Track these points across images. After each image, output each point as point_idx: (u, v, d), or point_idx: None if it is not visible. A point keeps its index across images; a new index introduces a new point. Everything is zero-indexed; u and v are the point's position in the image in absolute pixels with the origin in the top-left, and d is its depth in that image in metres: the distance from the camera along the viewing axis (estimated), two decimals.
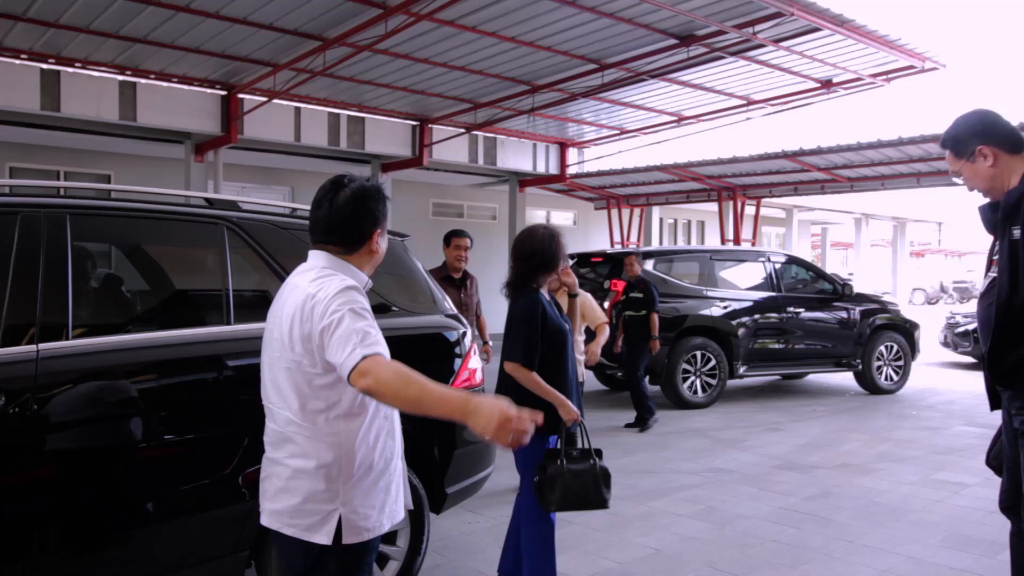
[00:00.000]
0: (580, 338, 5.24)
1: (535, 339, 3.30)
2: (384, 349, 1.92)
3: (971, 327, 12.52)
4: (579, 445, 3.42)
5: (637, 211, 19.01)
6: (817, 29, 9.08)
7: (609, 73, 11.14)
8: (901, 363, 10.15)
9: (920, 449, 6.84)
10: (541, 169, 16.28)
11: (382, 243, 2.19)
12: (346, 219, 2.10)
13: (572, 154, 16.71)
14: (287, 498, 2.02)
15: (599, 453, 3.40)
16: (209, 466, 2.94)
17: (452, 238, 6.18)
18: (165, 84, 11.16)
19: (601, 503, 3.34)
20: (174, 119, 11.35)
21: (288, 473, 2.03)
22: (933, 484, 5.69)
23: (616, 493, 5.43)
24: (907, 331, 10.22)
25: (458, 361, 3.84)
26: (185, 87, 11.34)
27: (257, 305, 3.12)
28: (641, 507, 5.13)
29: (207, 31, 9.32)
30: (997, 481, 5.64)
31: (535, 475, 3.27)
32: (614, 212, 18.79)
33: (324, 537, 1.99)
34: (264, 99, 11.49)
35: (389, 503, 2.12)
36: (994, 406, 2.99)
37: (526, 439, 1.76)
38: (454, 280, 6.06)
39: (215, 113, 11.68)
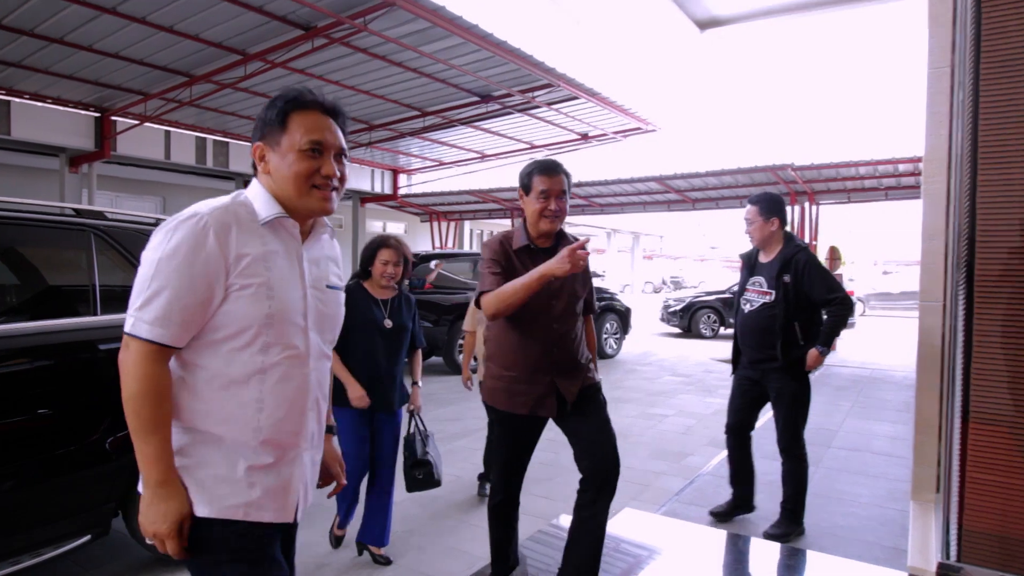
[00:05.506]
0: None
1: None
2: (152, 328, 1.22)
3: (679, 308, 13.88)
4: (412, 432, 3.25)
5: (453, 224, 19.21)
6: (576, 97, 9.69)
7: (429, 119, 11.19)
8: (619, 336, 10.50)
9: (639, 393, 7.51)
10: (378, 189, 15.99)
11: (271, 157, 1.34)
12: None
13: (402, 178, 16.57)
14: None
15: (410, 444, 3.24)
16: (80, 432, 2.67)
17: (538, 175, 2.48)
18: (40, 104, 9.71)
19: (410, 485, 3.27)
20: (48, 135, 9.90)
21: None
22: (646, 416, 6.31)
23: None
24: (623, 314, 10.54)
25: None
26: (60, 108, 9.93)
27: (122, 298, 2.87)
28: (449, 445, 5.25)
29: (81, 61, 8.24)
30: (689, 412, 6.45)
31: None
32: (436, 224, 18.86)
33: None
34: (136, 122, 10.34)
35: None
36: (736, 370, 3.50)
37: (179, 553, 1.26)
38: (536, 251, 2.43)
39: (89, 132, 10.32)
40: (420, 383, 3.22)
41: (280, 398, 1.31)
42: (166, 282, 1.21)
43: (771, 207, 3.28)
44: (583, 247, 2.05)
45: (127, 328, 1.23)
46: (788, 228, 3.39)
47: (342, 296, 1.50)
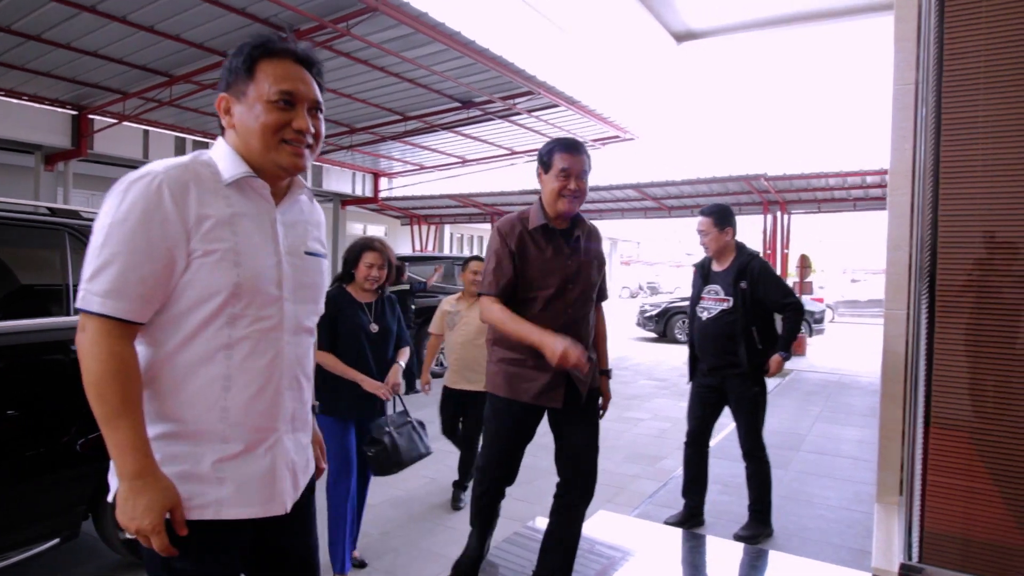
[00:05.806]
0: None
1: (323, 329, 2.74)
2: (104, 301, 1.06)
3: (655, 313, 13.99)
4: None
5: (433, 227, 19.14)
6: (556, 105, 9.73)
7: (411, 123, 11.14)
8: None
9: (615, 396, 7.53)
10: (359, 192, 15.88)
11: (236, 109, 1.19)
12: None
13: (383, 182, 16.48)
14: None
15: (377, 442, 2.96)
16: (50, 434, 2.60)
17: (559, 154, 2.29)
18: (15, 101, 9.46)
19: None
20: (23, 132, 9.61)
21: None
22: (622, 420, 6.35)
23: None
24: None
25: None
26: (36, 105, 9.68)
27: None
28: None
29: (59, 59, 8.04)
30: (664, 415, 6.48)
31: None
32: (416, 228, 18.79)
33: None
34: (115, 121, 10.13)
35: None
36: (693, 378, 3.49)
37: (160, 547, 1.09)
38: (553, 232, 2.28)
39: (66, 130, 10.07)
40: (402, 363, 3.01)
41: (251, 375, 1.16)
42: (118, 249, 1.06)
43: (724, 218, 3.34)
44: (585, 365, 1.98)
45: (78, 303, 1.07)
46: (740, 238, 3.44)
47: (325, 264, 1.35)
